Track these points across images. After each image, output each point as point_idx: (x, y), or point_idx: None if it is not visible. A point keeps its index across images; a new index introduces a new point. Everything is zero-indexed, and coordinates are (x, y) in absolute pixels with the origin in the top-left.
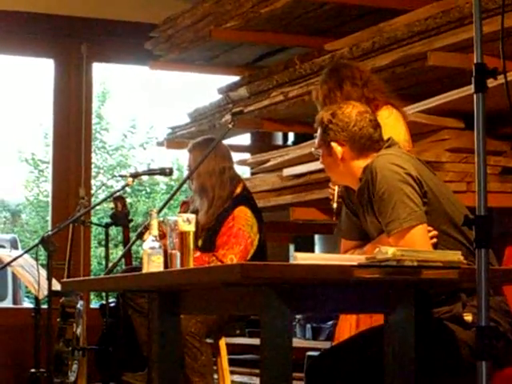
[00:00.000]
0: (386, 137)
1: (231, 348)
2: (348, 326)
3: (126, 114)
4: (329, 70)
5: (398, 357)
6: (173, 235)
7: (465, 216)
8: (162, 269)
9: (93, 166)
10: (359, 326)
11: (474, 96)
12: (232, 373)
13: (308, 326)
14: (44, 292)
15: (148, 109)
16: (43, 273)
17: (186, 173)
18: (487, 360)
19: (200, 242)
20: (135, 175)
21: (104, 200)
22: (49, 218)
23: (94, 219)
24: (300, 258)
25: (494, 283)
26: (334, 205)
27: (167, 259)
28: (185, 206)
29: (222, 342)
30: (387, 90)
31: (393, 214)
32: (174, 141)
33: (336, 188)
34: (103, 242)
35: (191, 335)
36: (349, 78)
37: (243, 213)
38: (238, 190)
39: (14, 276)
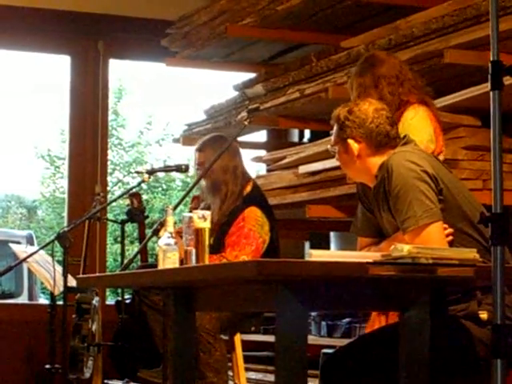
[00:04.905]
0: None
1: (246, 345)
2: (378, 322)
3: (143, 111)
4: (365, 62)
5: (412, 354)
6: (188, 232)
7: (481, 213)
8: (177, 265)
9: (109, 162)
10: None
11: (491, 93)
12: (247, 370)
13: (323, 323)
14: (60, 288)
15: (164, 105)
16: (59, 269)
17: (192, 171)
18: (502, 358)
19: (211, 240)
20: (151, 172)
21: (120, 196)
22: (65, 214)
23: (109, 216)
24: (315, 255)
25: (510, 281)
26: None
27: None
28: (196, 201)
29: (238, 339)
30: (422, 85)
31: (408, 211)
32: (190, 137)
33: None
34: (119, 239)
35: (206, 331)
36: (385, 77)
37: (253, 213)
38: (248, 188)
39: (30, 272)
